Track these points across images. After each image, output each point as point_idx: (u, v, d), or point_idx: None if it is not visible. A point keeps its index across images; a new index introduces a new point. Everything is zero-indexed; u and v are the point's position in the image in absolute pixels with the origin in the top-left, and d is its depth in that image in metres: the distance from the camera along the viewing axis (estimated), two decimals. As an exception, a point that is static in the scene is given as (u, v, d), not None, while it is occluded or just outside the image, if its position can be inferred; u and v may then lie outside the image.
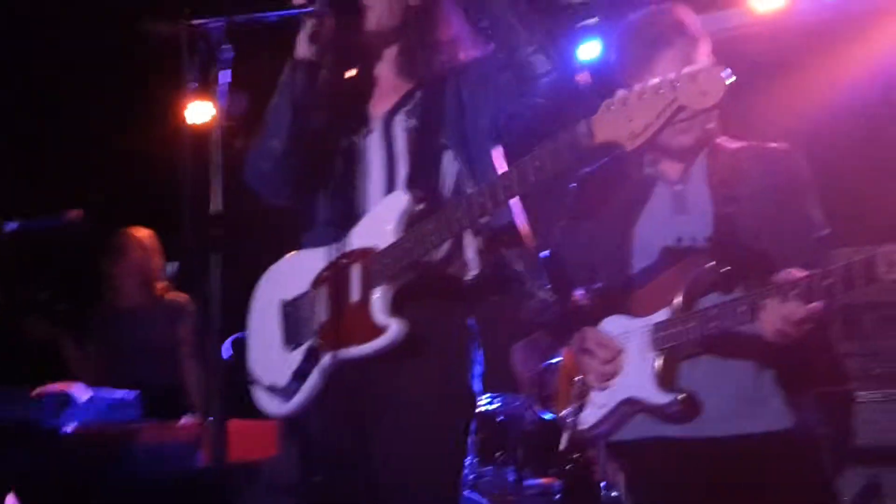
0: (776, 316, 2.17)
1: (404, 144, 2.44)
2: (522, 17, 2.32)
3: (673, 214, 2.50)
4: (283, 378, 2.42)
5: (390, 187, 2.42)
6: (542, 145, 2.08)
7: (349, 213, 2.43)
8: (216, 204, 2.18)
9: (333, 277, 2.38)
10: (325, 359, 2.35)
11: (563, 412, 2.60)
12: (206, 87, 2.23)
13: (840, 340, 3.78)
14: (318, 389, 2.37)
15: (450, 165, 2.43)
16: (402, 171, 2.43)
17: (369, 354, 2.30)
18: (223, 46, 2.21)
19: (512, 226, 2.45)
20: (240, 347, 2.60)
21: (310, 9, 2.39)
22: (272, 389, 2.44)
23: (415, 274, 2.32)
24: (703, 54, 2.46)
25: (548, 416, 3.61)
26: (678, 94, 1.88)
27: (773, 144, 2.54)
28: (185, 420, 3.54)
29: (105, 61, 5.11)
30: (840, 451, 3.51)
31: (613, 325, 2.50)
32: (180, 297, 4.66)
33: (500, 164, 2.49)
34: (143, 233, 4.73)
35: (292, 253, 2.55)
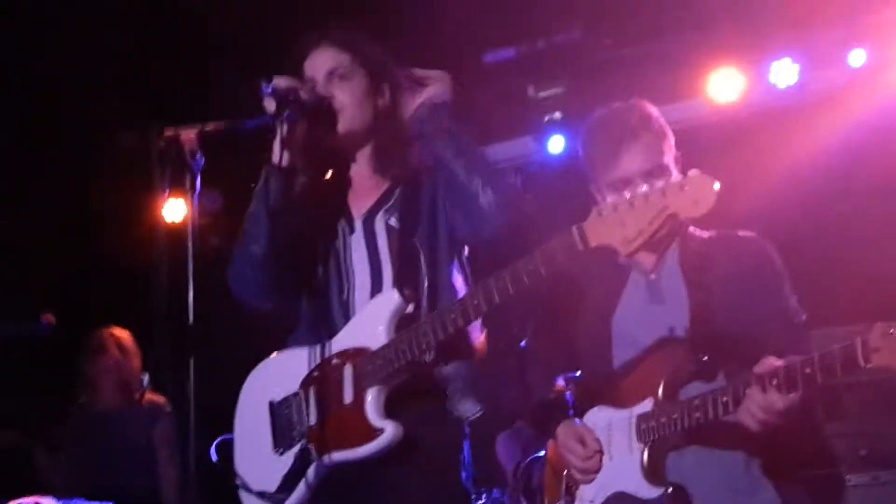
0: (757, 406, 2.19)
1: (386, 243, 2.45)
2: (465, 153, 2.37)
3: (649, 304, 2.53)
4: (272, 483, 2.37)
5: (376, 286, 2.42)
6: (536, 250, 2.11)
7: (335, 313, 2.43)
8: (191, 309, 2.17)
9: (324, 378, 2.35)
10: (317, 463, 2.31)
11: (552, 508, 2.59)
12: (178, 193, 2.24)
13: (824, 422, 3.80)
14: (309, 494, 2.32)
15: (440, 271, 2.42)
16: (387, 269, 2.43)
17: (364, 458, 2.27)
18: (195, 154, 2.22)
19: (464, 335, 2.41)
20: (225, 451, 2.56)
21: (281, 116, 2.38)
22: (262, 495, 2.38)
23: (408, 375, 2.30)
24: (669, 148, 2.54)
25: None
26: (668, 203, 1.92)
27: (743, 233, 2.60)
28: None
29: (79, 165, 5.13)
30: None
31: (597, 417, 2.50)
32: (158, 399, 4.58)
33: (457, 279, 2.49)
34: (121, 333, 4.67)
35: (278, 352, 2.53)
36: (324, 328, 2.42)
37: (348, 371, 2.32)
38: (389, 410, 2.28)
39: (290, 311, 2.54)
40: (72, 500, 3.40)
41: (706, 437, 2.35)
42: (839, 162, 4.76)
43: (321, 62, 2.51)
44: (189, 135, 2.24)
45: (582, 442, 2.46)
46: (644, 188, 1.94)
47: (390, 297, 2.35)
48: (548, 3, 4.87)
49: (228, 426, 2.59)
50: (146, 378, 4.55)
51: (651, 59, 5.01)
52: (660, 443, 2.36)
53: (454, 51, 4.97)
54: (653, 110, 2.59)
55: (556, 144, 5.35)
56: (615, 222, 1.98)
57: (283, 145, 2.41)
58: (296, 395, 2.41)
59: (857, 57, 4.86)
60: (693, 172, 1.90)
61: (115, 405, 4.52)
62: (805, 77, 4.97)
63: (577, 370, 2.63)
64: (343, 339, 2.38)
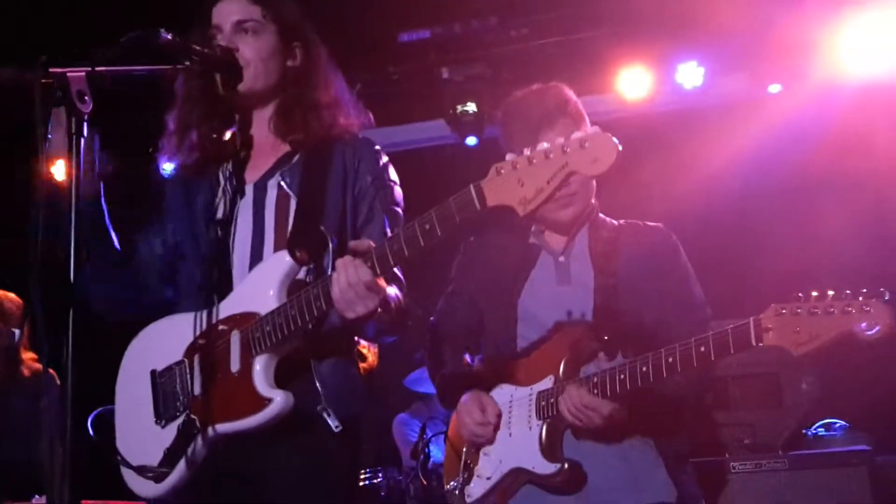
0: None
1: (273, 207, 2.32)
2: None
3: (556, 285, 2.55)
4: (154, 457, 2.22)
5: (256, 250, 2.29)
6: (432, 209, 1.99)
7: (219, 277, 2.28)
8: (70, 266, 1.96)
9: (209, 345, 2.21)
10: (201, 434, 2.16)
11: (450, 484, 2.57)
12: (64, 141, 2.02)
13: (713, 411, 3.93)
14: (193, 468, 2.18)
15: (330, 244, 2.27)
16: (269, 233, 2.30)
17: (252, 428, 2.14)
18: (84, 97, 2.00)
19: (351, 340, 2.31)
20: (103, 424, 2.42)
21: (182, 65, 2.23)
22: (142, 470, 2.23)
23: (299, 342, 2.18)
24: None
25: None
26: (568, 160, 1.85)
27: (651, 223, 2.64)
28: (35, 501, 3.29)
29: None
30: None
31: (499, 395, 2.51)
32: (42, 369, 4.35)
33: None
34: (2, 296, 4.41)
35: (162, 319, 2.36)
36: (209, 292, 2.27)
37: (235, 337, 2.18)
38: (281, 379, 2.15)
39: (178, 278, 2.40)
40: None
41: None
42: (743, 164, 4.92)
43: (230, 11, 2.37)
44: (78, 74, 2.02)
45: (482, 409, 2.46)
46: (544, 145, 1.88)
47: (281, 260, 2.20)
48: (467, -12, 4.87)
49: (109, 396, 2.46)
50: (17, 333, 4.30)
51: (565, 51, 5.07)
52: (558, 420, 2.38)
53: (370, 28, 4.93)
54: (570, 94, 2.61)
55: (471, 140, 5.35)
56: (514, 181, 1.88)
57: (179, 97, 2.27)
58: (179, 363, 2.26)
59: (773, 87, 5.02)
60: (593, 129, 1.86)
61: (26, 373, 4.28)
62: (710, 81, 5.11)
63: (484, 348, 2.63)
64: (231, 304, 2.23)
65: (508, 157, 1.90)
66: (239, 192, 2.36)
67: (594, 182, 2.57)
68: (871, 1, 4.69)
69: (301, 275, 2.22)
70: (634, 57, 5.10)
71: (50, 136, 2.01)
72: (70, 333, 1.91)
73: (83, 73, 2.04)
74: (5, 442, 4.08)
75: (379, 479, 4.39)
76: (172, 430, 2.22)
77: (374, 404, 2.38)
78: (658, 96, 5.16)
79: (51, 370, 4.30)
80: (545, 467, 2.36)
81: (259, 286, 2.20)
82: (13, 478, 3.35)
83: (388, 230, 2.32)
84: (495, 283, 2.59)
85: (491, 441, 2.45)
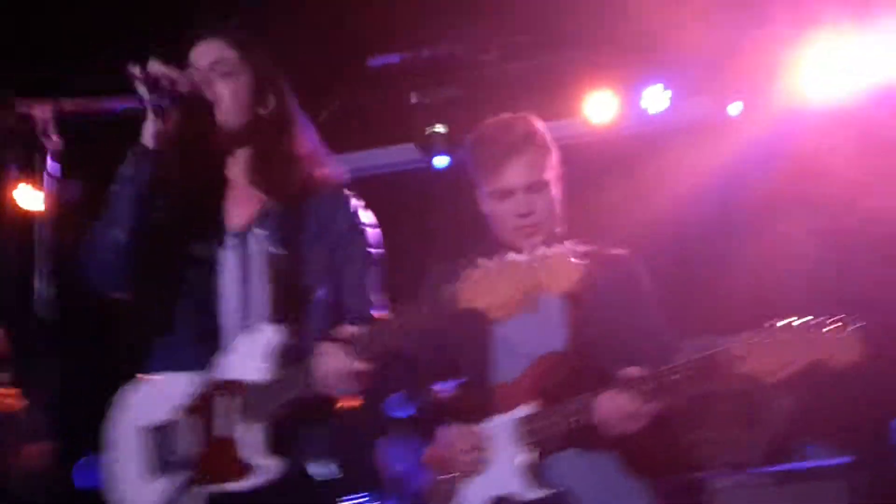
0: (606, 411, 2.29)
1: (259, 267, 2.37)
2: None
3: (528, 315, 2.56)
4: None
5: (245, 311, 2.35)
6: (410, 306, 2.18)
7: (207, 332, 2.35)
8: (41, 302, 2.01)
9: (202, 408, 2.29)
10: (190, 494, 2.25)
11: (432, 513, 2.57)
12: (30, 174, 2.06)
13: (691, 429, 3.96)
14: None
15: (312, 294, 2.39)
16: (257, 295, 2.36)
17: (238, 491, 2.23)
18: (49, 132, 2.05)
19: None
20: (87, 473, 2.43)
21: (152, 100, 2.26)
22: None
23: (287, 411, 2.26)
24: (552, 164, 2.61)
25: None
26: (534, 275, 2.04)
27: (615, 251, 2.68)
28: None
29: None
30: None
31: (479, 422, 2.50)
32: (12, 402, 4.27)
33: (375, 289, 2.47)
34: None
35: (153, 377, 2.41)
36: (197, 346, 2.34)
37: (226, 404, 2.27)
38: (273, 445, 2.25)
39: (155, 313, 2.42)
40: None
41: (585, 441, 2.40)
42: (708, 186, 5.00)
43: (206, 53, 2.42)
44: (43, 109, 2.06)
45: (463, 436, 2.48)
46: (514, 257, 2.06)
47: (271, 333, 2.30)
48: (435, 13, 4.89)
49: (78, 430, 2.45)
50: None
51: (533, 75, 5.12)
52: (540, 446, 2.39)
53: (338, 52, 4.94)
54: (539, 125, 2.65)
55: (441, 161, 5.38)
56: (486, 288, 2.08)
57: (155, 130, 2.28)
58: (172, 422, 2.32)
59: (735, 107, 5.10)
60: (556, 250, 2.05)
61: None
62: (676, 104, 5.19)
63: (460, 376, 2.63)
64: (223, 369, 2.32)
65: (480, 263, 2.10)
66: (222, 239, 2.40)
67: (558, 210, 2.62)
68: (833, 23, 4.79)
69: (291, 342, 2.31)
70: (601, 81, 5.17)
71: (15, 173, 2.02)
72: (40, 365, 1.92)
73: (48, 108, 2.06)
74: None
75: (363, 505, 4.36)
76: (161, 485, 2.28)
77: (355, 430, 2.45)
78: (624, 120, 5.23)
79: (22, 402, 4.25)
80: (529, 494, 2.37)
81: (248, 356, 2.30)
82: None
83: (364, 273, 2.44)
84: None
85: (480, 470, 2.46)
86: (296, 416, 2.27)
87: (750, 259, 5.00)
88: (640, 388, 2.25)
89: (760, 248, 5.04)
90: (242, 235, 2.40)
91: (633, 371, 2.30)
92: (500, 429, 2.45)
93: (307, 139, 2.51)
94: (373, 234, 2.50)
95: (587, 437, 2.37)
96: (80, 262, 2.40)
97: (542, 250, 2.03)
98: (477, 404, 2.53)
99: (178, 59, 2.41)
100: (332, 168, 2.52)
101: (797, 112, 4.92)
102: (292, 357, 2.26)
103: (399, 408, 2.77)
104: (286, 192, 2.42)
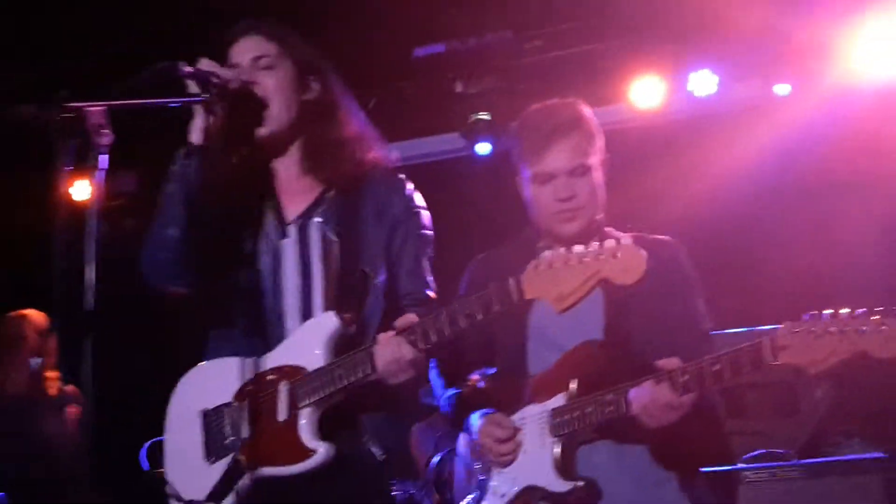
0: (643, 401, 2.27)
1: (319, 256, 2.42)
2: None
3: None
4: (202, 492, 2.34)
5: (305, 300, 2.40)
6: (474, 296, 2.17)
7: (266, 322, 2.40)
8: (90, 293, 2.05)
9: (258, 392, 2.34)
10: (247, 476, 2.30)
11: (465, 501, 2.61)
12: (83, 172, 2.12)
13: (725, 419, 3.94)
14: None
15: (370, 279, 2.41)
16: (317, 284, 2.41)
17: (295, 475, 2.28)
18: (101, 130, 2.10)
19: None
20: (154, 455, 2.52)
21: (200, 98, 2.32)
22: None
23: (343, 397, 2.30)
24: (598, 150, 2.60)
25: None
26: (601, 267, 2.04)
27: (659, 237, 2.66)
28: None
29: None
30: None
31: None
32: (70, 389, 4.44)
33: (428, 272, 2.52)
34: (37, 317, 4.50)
35: (211, 361, 2.48)
36: (254, 335, 2.40)
37: (283, 388, 2.32)
38: (324, 430, 2.29)
39: (213, 306, 2.48)
40: None
41: (617, 432, 2.41)
42: (756, 170, 4.93)
43: (247, 49, 2.47)
44: (95, 106, 2.12)
45: (500, 426, 2.49)
46: (579, 248, 2.05)
47: (329, 320, 2.34)
48: (481, 2, 4.91)
49: (128, 416, 2.53)
50: (39, 362, 4.41)
51: (578, 62, 5.10)
52: (572, 437, 2.41)
53: (384, 43, 4.99)
54: (586, 111, 2.63)
55: (484, 147, 5.39)
56: (550, 279, 2.08)
57: (203, 128, 2.34)
58: (229, 405, 2.38)
59: (783, 88, 5.02)
60: (625, 241, 2.01)
61: (25, 393, 4.38)
62: (724, 88, 5.12)
63: (495, 366, 2.66)
64: (280, 355, 2.37)
65: (546, 255, 2.09)
66: (283, 233, 2.46)
67: (601, 196, 2.60)
68: (884, 3, 4.68)
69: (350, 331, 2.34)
70: (647, 67, 5.13)
71: (69, 169, 2.09)
72: (90, 355, 2.00)
73: (101, 107, 2.13)
74: (37, 461, 4.17)
75: (395, 493, 4.43)
76: (220, 468, 2.34)
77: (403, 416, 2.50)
78: (671, 105, 5.18)
79: (76, 389, 4.42)
80: (559, 485, 2.39)
81: (307, 342, 2.35)
82: (41, 495, 3.42)
83: (420, 255, 2.49)
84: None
85: (514, 459, 2.48)
86: (351, 401, 2.31)
87: (801, 245, 4.92)
88: (678, 380, 2.23)
89: (811, 234, 4.96)
90: (300, 225, 2.45)
91: (671, 362, 2.28)
92: (534, 419, 2.47)
93: (356, 122, 2.55)
94: (426, 216, 2.54)
95: (621, 428, 2.38)
96: (138, 261, 2.47)
97: (609, 242, 2.02)
98: (511, 394, 2.55)
99: (221, 58, 2.47)
100: (384, 150, 2.55)
101: (848, 92, 4.82)
102: (350, 344, 2.30)
103: (434, 395, 2.83)
104: (340, 177, 2.46)
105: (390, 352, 2.22)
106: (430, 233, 2.53)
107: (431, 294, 2.49)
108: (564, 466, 2.40)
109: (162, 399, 2.53)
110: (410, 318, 2.24)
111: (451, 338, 2.20)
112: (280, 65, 2.46)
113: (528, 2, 4.98)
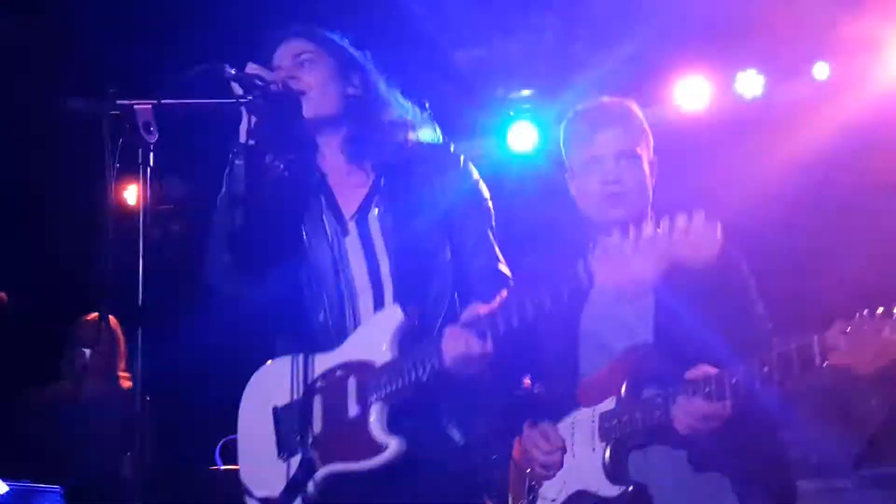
0: (684, 411, 2.24)
1: (384, 247, 2.43)
2: None
3: (615, 304, 2.54)
4: (276, 488, 2.37)
5: (377, 293, 2.42)
6: (543, 287, 2.17)
7: (336, 320, 2.42)
8: (140, 292, 2.09)
9: (328, 388, 2.37)
10: (320, 472, 2.32)
11: (516, 505, 2.59)
12: (131, 170, 2.15)
13: (777, 429, 3.86)
14: (311, 500, 2.33)
15: (436, 260, 2.43)
16: (386, 277, 2.42)
17: (367, 470, 2.29)
18: (150, 128, 2.13)
19: None
20: (228, 453, 2.54)
21: (246, 99, 2.36)
22: (266, 501, 2.39)
23: (413, 391, 2.31)
24: (647, 146, 2.56)
25: None
26: (673, 246, 1.98)
27: None
28: None
29: (23, 138, 4.97)
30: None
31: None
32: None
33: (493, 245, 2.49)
34: (112, 321, 4.55)
35: (280, 358, 2.50)
36: (325, 333, 2.42)
37: (352, 384, 2.34)
38: (395, 425, 2.30)
39: (282, 305, 2.50)
40: (19, 481, 3.34)
41: (668, 437, 2.36)
42: (804, 172, 4.86)
43: (288, 51, 2.52)
44: (143, 107, 2.15)
45: (546, 437, 2.47)
46: (650, 229, 1.97)
47: (394, 314, 2.36)
48: (521, 4, 4.89)
49: (179, 415, 2.55)
50: (87, 352, 4.47)
51: (621, 64, 5.05)
52: (622, 441, 2.38)
53: (425, 47, 4.98)
54: (637, 110, 2.61)
55: (522, 139, 5.32)
56: (620, 262, 2.03)
57: (250, 129, 2.38)
58: (300, 402, 2.40)
59: (820, 70, 4.95)
60: (698, 215, 1.93)
61: (98, 392, 4.43)
62: (770, 89, 5.05)
63: (545, 368, 2.64)
64: (347, 351, 2.39)
65: (615, 236, 2.04)
66: (344, 229, 2.47)
67: (649, 190, 2.56)
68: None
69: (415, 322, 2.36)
70: (692, 67, 5.08)
71: (118, 164, 2.10)
72: (140, 350, 2.02)
73: (149, 106, 2.15)
74: (98, 451, 4.22)
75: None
76: (293, 464, 2.37)
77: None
78: (717, 106, 5.12)
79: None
80: (609, 490, 2.36)
81: (374, 337, 2.37)
82: (100, 490, 3.47)
83: (486, 227, 2.48)
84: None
85: (561, 466, 2.46)
86: (420, 395, 2.32)
87: (849, 250, 4.83)
88: (705, 389, 2.20)
89: (860, 238, 4.87)
90: (362, 219, 2.46)
91: (701, 371, 2.24)
92: (583, 422, 2.45)
93: (393, 104, 2.56)
94: (484, 187, 2.53)
95: (669, 434, 2.33)
96: (200, 268, 2.51)
97: (681, 221, 1.94)
98: (561, 397, 2.52)
99: (264, 62, 2.51)
100: (432, 129, 2.56)
101: (897, 92, 4.74)
102: (418, 336, 2.32)
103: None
104: (387, 162, 2.47)
105: (456, 347, 2.22)
106: (490, 204, 2.52)
107: (503, 267, 2.48)
108: (614, 470, 2.37)
109: (236, 395, 2.54)
110: (475, 311, 2.24)
111: (518, 329, 2.20)
112: (320, 60, 2.50)
113: (571, 2, 4.95)
